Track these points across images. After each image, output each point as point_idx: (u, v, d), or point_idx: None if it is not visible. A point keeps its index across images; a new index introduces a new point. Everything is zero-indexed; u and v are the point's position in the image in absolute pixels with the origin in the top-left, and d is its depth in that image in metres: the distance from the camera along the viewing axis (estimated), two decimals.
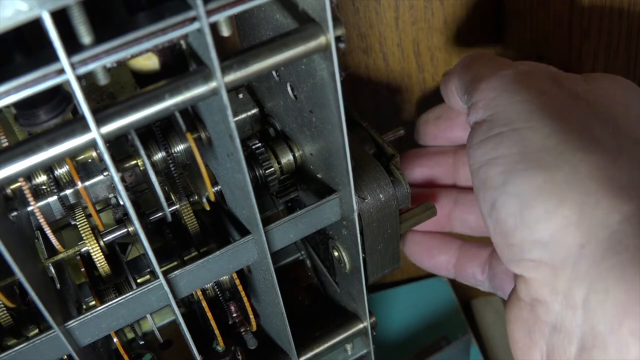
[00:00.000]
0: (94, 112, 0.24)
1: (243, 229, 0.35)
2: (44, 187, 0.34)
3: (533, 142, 0.32)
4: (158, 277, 0.31)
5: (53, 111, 0.27)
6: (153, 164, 0.34)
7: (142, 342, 0.44)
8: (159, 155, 0.34)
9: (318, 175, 0.36)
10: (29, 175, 0.33)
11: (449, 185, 0.47)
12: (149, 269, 0.42)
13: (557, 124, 0.32)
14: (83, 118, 0.24)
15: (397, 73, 0.55)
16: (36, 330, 0.36)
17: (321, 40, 0.27)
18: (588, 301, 0.28)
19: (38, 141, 0.24)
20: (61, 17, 0.22)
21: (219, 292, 0.39)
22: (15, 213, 0.32)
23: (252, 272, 0.39)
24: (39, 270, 0.34)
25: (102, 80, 0.24)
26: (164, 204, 0.35)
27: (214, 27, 0.25)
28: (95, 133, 0.25)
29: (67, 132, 0.24)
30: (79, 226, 0.36)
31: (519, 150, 0.32)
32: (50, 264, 0.36)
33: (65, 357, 0.32)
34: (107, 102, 0.38)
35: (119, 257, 0.39)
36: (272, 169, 0.37)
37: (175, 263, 0.40)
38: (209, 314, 0.38)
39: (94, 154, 0.34)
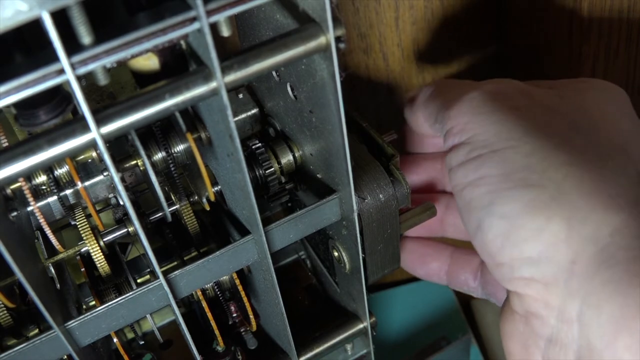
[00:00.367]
0: (94, 112, 0.24)
1: (243, 229, 0.35)
2: (44, 187, 0.34)
3: (515, 162, 0.31)
4: (158, 277, 0.31)
5: (53, 111, 0.27)
6: (153, 164, 0.34)
7: (142, 342, 0.44)
8: (159, 155, 0.34)
9: (318, 175, 0.36)
10: (29, 175, 0.33)
11: (438, 192, 0.47)
12: (149, 269, 0.42)
13: (537, 141, 0.32)
14: (83, 118, 0.24)
15: (397, 73, 0.55)
16: (36, 330, 0.36)
17: (321, 40, 0.27)
18: (583, 316, 0.28)
19: (38, 141, 0.24)
20: (61, 17, 0.22)
21: (219, 292, 0.39)
22: (15, 213, 0.32)
23: (252, 272, 0.39)
24: (39, 270, 0.34)
25: (102, 80, 0.24)
26: (164, 204, 0.35)
27: (214, 27, 0.25)
28: (95, 133, 0.25)
29: (67, 132, 0.24)
30: (79, 226, 0.36)
31: (502, 171, 0.32)
32: (50, 264, 0.36)
33: (65, 357, 0.32)
34: (107, 102, 0.38)
35: (119, 257, 0.39)
36: (272, 169, 0.37)
37: (175, 263, 0.40)
38: (209, 314, 0.38)
39: (94, 154, 0.34)
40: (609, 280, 0.27)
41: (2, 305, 0.34)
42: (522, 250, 0.30)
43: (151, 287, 0.32)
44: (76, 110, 0.27)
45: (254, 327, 0.41)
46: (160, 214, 0.37)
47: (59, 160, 0.32)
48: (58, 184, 0.34)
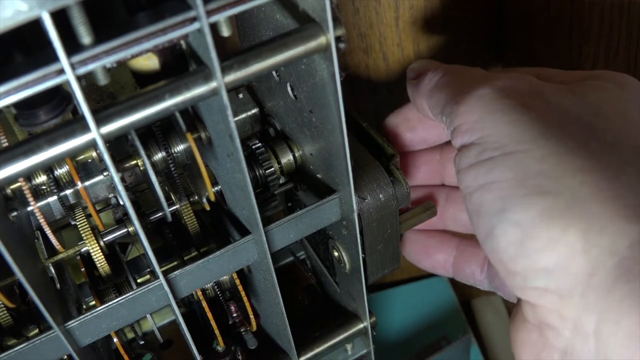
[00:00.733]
0: (94, 112, 0.24)
1: (243, 229, 0.35)
2: (44, 187, 0.34)
3: (528, 167, 0.30)
4: (158, 277, 0.31)
5: (53, 111, 0.27)
6: (153, 164, 0.34)
7: (142, 342, 0.44)
8: (159, 155, 0.34)
9: (318, 175, 0.36)
10: (29, 175, 0.34)
11: (437, 185, 0.47)
12: (149, 269, 0.42)
13: (551, 145, 0.30)
14: (83, 118, 0.24)
15: (397, 73, 0.55)
16: (36, 330, 0.36)
17: (321, 40, 0.27)
18: (599, 331, 0.27)
19: (38, 141, 0.24)
20: (61, 17, 0.22)
21: (219, 292, 0.39)
22: (15, 213, 0.32)
23: (252, 272, 0.39)
24: (39, 270, 0.34)
25: (102, 80, 0.24)
26: (164, 204, 0.35)
27: (214, 27, 0.25)
28: (95, 133, 0.25)
29: (67, 132, 0.24)
30: (79, 226, 0.36)
31: (515, 176, 0.30)
32: (50, 264, 0.36)
33: (65, 357, 0.32)
34: (107, 102, 0.38)
35: (119, 257, 0.39)
36: (272, 169, 0.37)
37: (175, 263, 0.40)
38: (209, 314, 0.38)
39: (94, 154, 0.34)
40: (627, 295, 0.27)
41: (2, 305, 0.34)
42: (536, 260, 0.29)
43: (151, 287, 0.32)
44: (76, 110, 0.27)
45: (254, 327, 0.41)
46: (160, 214, 0.37)
47: (59, 160, 0.32)
48: (58, 184, 0.34)
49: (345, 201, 0.34)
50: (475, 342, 0.64)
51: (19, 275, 0.27)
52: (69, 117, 0.27)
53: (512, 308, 0.34)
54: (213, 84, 0.26)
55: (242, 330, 0.41)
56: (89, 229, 0.36)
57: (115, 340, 0.38)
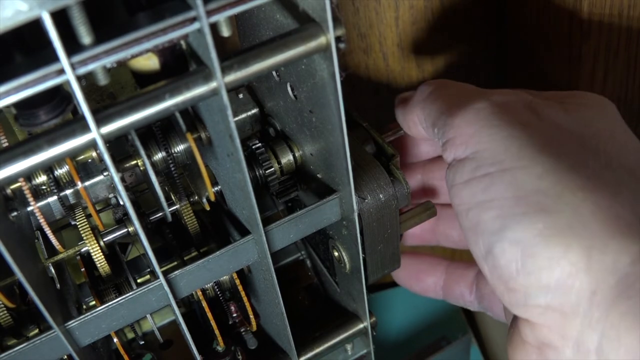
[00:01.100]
0: (94, 112, 0.24)
1: (243, 229, 0.35)
2: (44, 187, 0.34)
3: (527, 184, 0.30)
4: (158, 277, 0.31)
5: (53, 111, 0.27)
6: (153, 164, 0.34)
7: (142, 342, 0.44)
8: (159, 155, 0.34)
9: (318, 175, 0.36)
10: (29, 175, 0.33)
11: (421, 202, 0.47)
12: (149, 269, 0.42)
13: (549, 162, 0.30)
14: (83, 118, 0.24)
15: (397, 73, 0.55)
16: (36, 330, 0.36)
17: (321, 40, 0.27)
18: (601, 348, 0.27)
19: (38, 141, 0.24)
20: (61, 18, 0.22)
21: (219, 292, 0.39)
22: (15, 213, 0.32)
23: (252, 272, 0.39)
24: (39, 270, 0.34)
25: (102, 80, 0.24)
26: (164, 204, 0.35)
27: (214, 27, 0.25)
28: (95, 133, 0.25)
29: (67, 132, 0.24)
30: (79, 226, 0.36)
31: (514, 194, 0.30)
32: (50, 264, 0.36)
33: (65, 357, 0.32)
34: (107, 102, 0.38)
35: (119, 257, 0.39)
36: (272, 169, 0.37)
37: (175, 263, 0.40)
38: (209, 314, 0.38)
39: (94, 154, 0.34)
40: (628, 312, 0.27)
41: (2, 305, 0.34)
42: (538, 278, 0.29)
43: (151, 287, 0.32)
44: (76, 110, 0.27)
45: (254, 327, 0.41)
46: (160, 214, 0.37)
47: (59, 160, 0.32)
48: (58, 184, 0.34)
49: (345, 201, 0.34)
50: (475, 342, 0.64)
51: (19, 275, 0.27)
52: (69, 117, 0.27)
53: None
54: (213, 84, 0.26)
55: (242, 330, 0.41)
56: (89, 229, 0.36)
57: (115, 340, 0.38)
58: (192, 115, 0.34)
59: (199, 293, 0.37)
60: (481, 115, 0.33)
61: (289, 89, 0.34)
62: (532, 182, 0.30)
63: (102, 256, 0.36)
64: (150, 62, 0.29)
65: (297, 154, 0.37)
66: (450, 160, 0.34)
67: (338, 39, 0.27)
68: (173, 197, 0.37)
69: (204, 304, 0.38)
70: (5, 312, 0.34)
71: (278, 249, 0.34)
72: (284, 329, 0.38)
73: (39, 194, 0.35)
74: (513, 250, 0.30)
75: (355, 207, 0.34)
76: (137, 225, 0.29)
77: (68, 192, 0.36)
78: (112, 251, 0.39)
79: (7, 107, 0.24)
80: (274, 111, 0.39)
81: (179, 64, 0.30)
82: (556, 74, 0.51)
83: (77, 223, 0.36)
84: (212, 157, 0.35)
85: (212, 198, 0.36)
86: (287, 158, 0.37)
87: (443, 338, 0.57)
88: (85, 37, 0.23)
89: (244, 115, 0.41)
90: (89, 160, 0.35)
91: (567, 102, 0.35)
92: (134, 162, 0.35)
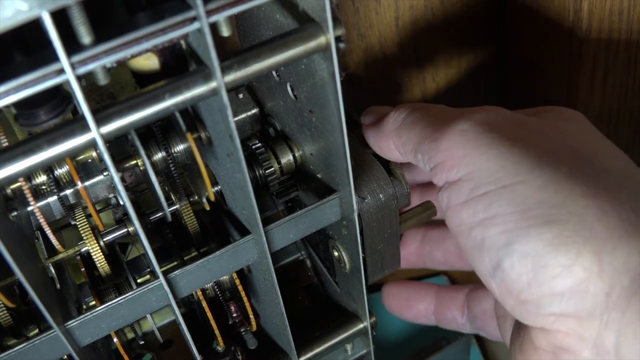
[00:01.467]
0: (94, 112, 0.24)
1: (243, 229, 0.35)
2: (44, 187, 0.34)
3: (529, 197, 0.30)
4: (158, 277, 0.31)
5: (53, 111, 0.27)
6: (153, 164, 0.34)
7: (142, 342, 0.44)
8: (159, 155, 0.34)
9: (318, 175, 0.36)
10: (29, 175, 0.33)
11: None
12: (149, 269, 0.42)
13: (547, 173, 0.31)
14: (83, 118, 0.24)
15: (398, 73, 0.55)
16: (36, 330, 0.36)
17: (321, 40, 0.27)
18: (619, 346, 0.28)
19: (38, 141, 0.24)
20: (61, 17, 0.22)
21: (219, 292, 0.39)
22: (15, 213, 0.32)
23: (252, 272, 0.39)
24: (39, 270, 0.34)
25: (102, 80, 0.24)
26: (164, 204, 0.35)
27: (214, 27, 0.25)
28: (95, 133, 0.25)
29: (67, 132, 0.24)
30: (79, 226, 0.36)
31: (517, 208, 0.30)
32: (50, 264, 0.36)
33: (65, 357, 0.32)
34: (107, 102, 0.38)
35: (119, 257, 0.39)
36: (272, 169, 0.37)
37: (175, 263, 0.40)
38: (209, 314, 0.38)
39: (94, 154, 0.34)
40: None
41: (2, 305, 0.34)
42: (551, 287, 0.29)
43: (151, 287, 0.32)
44: (76, 110, 0.27)
45: (254, 327, 0.41)
46: (160, 214, 0.37)
47: (59, 160, 0.32)
48: (58, 184, 0.34)
49: (345, 201, 0.34)
50: (475, 342, 0.64)
51: (19, 275, 0.27)
52: (69, 117, 0.27)
53: None
54: (213, 84, 0.26)
55: (242, 330, 0.41)
56: (89, 229, 0.36)
57: (115, 340, 0.38)
58: (192, 115, 0.34)
59: (199, 293, 0.37)
60: (469, 136, 0.33)
61: (289, 89, 0.34)
62: (533, 195, 0.30)
63: (102, 256, 0.36)
64: (150, 62, 0.29)
65: (297, 154, 0.37)
66: (442, 184, 0.34)
67: (338, 39, 0.27)
68: (173, 197, 0.37)
69: (204, 304, 0.38)
70: (5, 312, 0.34)
71: (278, 249, 0.34)
72: (284, 329, 0.38)
73: (39, 194, 0.35)
74: (523, 263, 0.30)
75: (355, 207, 0.34)
76: (137, 225, 0.29)
77: (68, 192, 0.36)
78: (112, 251, 0.39)
79: (7, 107, 0.24)
80: (274, 111, 0.39)
81: (179, 64, 0.30)
82: (556, 74, 0.51)
83: (77, 223, 0.36)
84: (212, 157, 0.35)
85: (212, 198, 0.36)
86: (287, 158, 0.37)
87: (443, 338, 0.57)
88: (85, 37, 0.23)
89: (244, 115, 0.41)
90: (89, 160, 0.35)
91: (545, 117, 0.36)
92: (134, 162, 0.35)
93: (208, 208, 0.37)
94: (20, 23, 0.21)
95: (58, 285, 0.37)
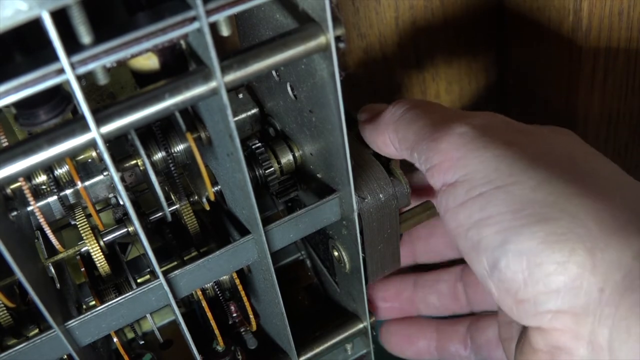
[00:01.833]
0: (94, 112, 0.24)
1: (243, 229, 0.35)
2: (44, 187, 0.34)
3: (522, 197, 0.31)
4: (158, 277, 0.31)
5: (53, 111, 0.27)
6: (153, 164, 0.34)
7: (142, 342, 0.44)
8: (159, 155, 0.34)
9: (318, 175, 0.36)
10: (29, 175, 0.34)
11: (403, 273, 0.47)
12: (149, 269, 0.42)
13: (541, 174, 0.31)
14: (83, 118, 0.24)
15: (397, 73, 0.55)
16: (36, 330, 0.36)
17: (321, 40, 0.27)
18: (612, 341, 0.28)
19: (38, 141, 0.24)
20: (61, 17, 0.22)
21: (219, 292, 0.39)
22: (15, 213, 0.32)
23: (252, 272, 0.39)
24: (39, 270, 0.34)
25: (102, 80, 0.24)
26: (164, 204, 0.35)
27: (214, 27, 0.25)
28: (95, 133, 0.25)
29: (67, 132, 0.24)
30: (79, 226, 0.36)
31: (511, 208, 0.31)
32: (50, 264, 0.36)
33: (65, 357, 0.32)
34: (107, 102, 0.39)
35: (119, 257, 0.39)
36: (272, 168, 0.37)
37: (175, 263, 0.40)
38: (209, 314, 0.38)
39: (94, 154, 0.34)
40: (635, 304, 0.27)
41: (2, 305, 0.34)
42: (547, 284, 0.29)
43: (151, 286, 0.32)
44: (76, 110, 0.27)
45: (254, 327, 0.41)
46: (160, 214, 0.37)
47: (59, 160, 0.32)
48: (58, 184, 0.34)
49: (345, 201, 0.34)
50: None
51: (19, 275, 0.27)
52: (69, 117, 0.27)
53: None
54: (213, 84, 0.26)
55: (242, 330, 0.41)
56: (89, 228, 0.36)
57: (115, 340, 0.38)
58: (192, 115, 0.34)
59: (199, 293, 0.37)
60: (466, 139, 0.33)
61: (288, 88, 0.34)
62: (526, 195, 0.31)
63: (102, 256, 0.36)
64: (150, 62, 0.30)
65: (297, 154, 0.37)
66: (440, 186, 0.34)
67: (338, 39, 0.27)
68: (173, 197, 0.37)
69: (204, 303, 0.38)
70: (5, 312, 0.34)
71: (278, 248, 0.34)
72: (284, 329, 0.38)
73: (39, 194, 0.35)
74: (518, 262, 0.30)
75: (355, 207, 0.34)
76: (137, 225, 0.29)
77: (68, 191, 0.36)
78: (112, 251, 0.39)
79: (7, 106, 0.24)
80: (273, 111, 0.39)
81: (179, 64, 0.30)
82: (556, 74, 0.51)
83: (77, 223, 0.36)
84: (212, 157, 0.35)
85: (212, 198, 0.36)
86: (287, 158, 0.37)
87: None
88: (85, 37, 0.23)
89: (244, 115, 0.41)
90: (89, 160, 0.35)
91: (532, 127, 0.36)
92: (134, 161, 0.35)
93: (208, 208, 0.37)
94: (20, 23, 0.21)
95: (58, 285, 0.37)
